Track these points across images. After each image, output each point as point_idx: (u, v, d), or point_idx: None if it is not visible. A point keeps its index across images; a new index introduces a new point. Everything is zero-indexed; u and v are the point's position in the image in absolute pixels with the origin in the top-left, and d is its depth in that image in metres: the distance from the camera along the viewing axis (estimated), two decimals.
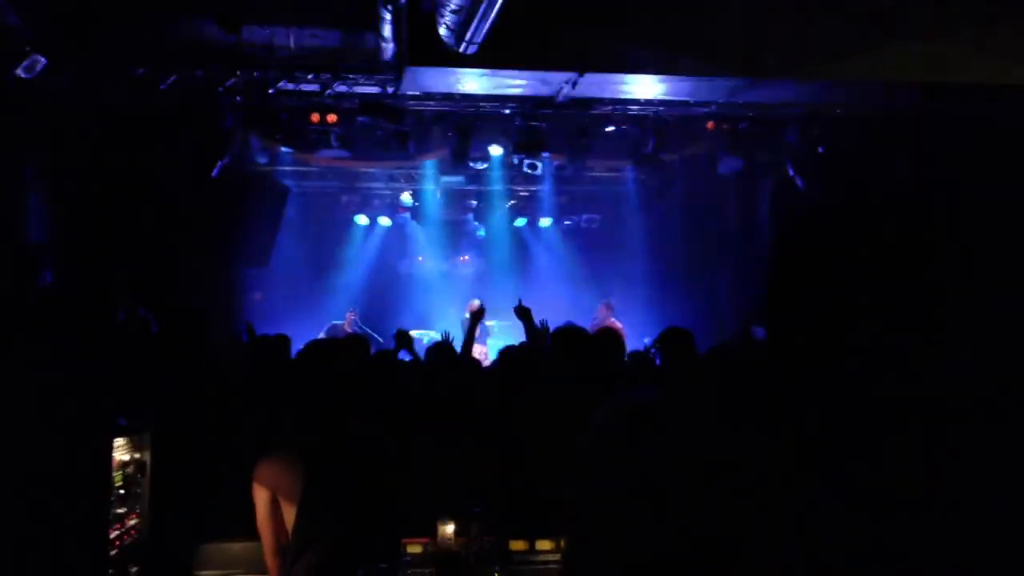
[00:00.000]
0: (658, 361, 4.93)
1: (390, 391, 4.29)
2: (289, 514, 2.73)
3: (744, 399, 1.19)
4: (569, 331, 4.08)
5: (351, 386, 3.03)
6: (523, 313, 5.48)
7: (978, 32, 7.40)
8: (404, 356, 5.87)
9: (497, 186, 13.33)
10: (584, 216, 14.23)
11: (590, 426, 1.31)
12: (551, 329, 4.67)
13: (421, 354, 5.91)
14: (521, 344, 5.48)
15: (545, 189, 13.62)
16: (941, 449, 1.05)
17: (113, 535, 2.64)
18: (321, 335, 11.06)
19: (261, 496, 2.75)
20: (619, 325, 11.13)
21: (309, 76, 8.13)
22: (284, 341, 6.82)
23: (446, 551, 2.65)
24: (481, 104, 8.69)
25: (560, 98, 8.26)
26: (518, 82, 7.82)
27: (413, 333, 12.05)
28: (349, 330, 11.65)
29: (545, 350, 4.87)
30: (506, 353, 4.92)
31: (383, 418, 3.08)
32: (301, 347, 3.96)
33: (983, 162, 7.86)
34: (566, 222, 14.45)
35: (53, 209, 7.17)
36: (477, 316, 6.27)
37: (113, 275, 7.36)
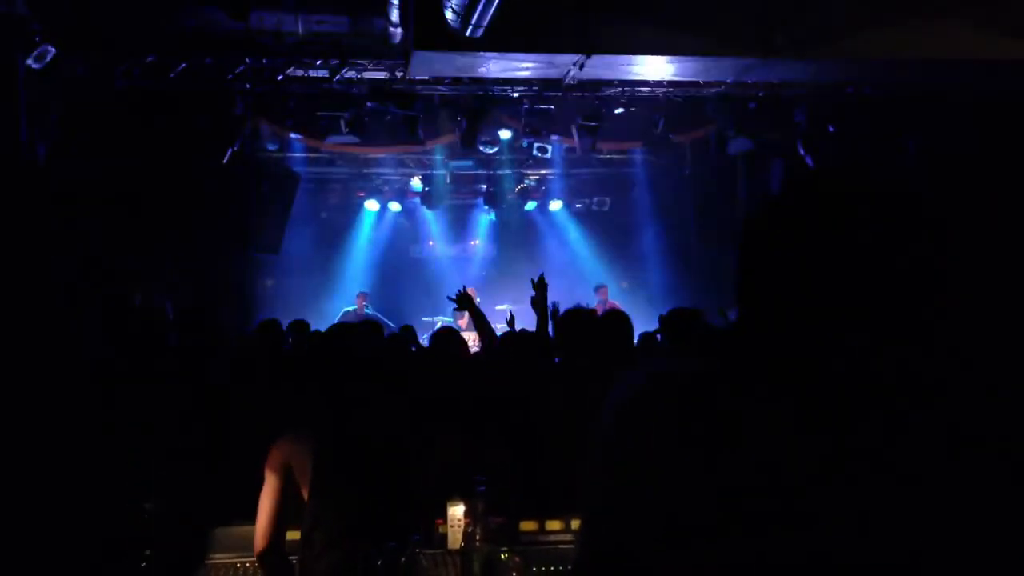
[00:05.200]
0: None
1: (401, 374, 4.31)
2: (301, 495, 2.77)
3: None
4: (576, 313, 4.09)
5: (366, 369, 3.04)
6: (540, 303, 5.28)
7: (989, 8, 7.32)
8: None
9: (507, 170, 13.33)
10: (594, 199, 14.21)
11: (615, 406, 1.14)
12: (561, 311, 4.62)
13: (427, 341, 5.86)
14: (522, 330, 5.36)
15: (555, 172, 13.61)
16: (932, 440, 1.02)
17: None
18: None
19: (271, 478, 2.78)
20: (615, 305, 11.17)
21: (318, 62, 8.14)
22: (302, 326, 6.88)
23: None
24: (489, 87, 8.68)
25: (568, 80, 8.24)
26: (525, 65, 7.80)
27: (425, 319, 12.15)
28: (362, 314, 11.69)
29: (548, 334, 4.87)
30: (508, 338, 4.91)
31: (394, 401, 3.10)
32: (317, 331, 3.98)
33: (995, 139, 7.80)
34: (576, 205, 14.44)
35: (63, 197, 7.20)
36: (466, 301, 5.70)
37: (125, 261, 7.41)
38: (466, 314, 11.54)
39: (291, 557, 2.85)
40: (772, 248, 1.08)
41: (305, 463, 2.76)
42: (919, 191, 1.06)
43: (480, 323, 5.27)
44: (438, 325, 10.32)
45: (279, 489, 2.78)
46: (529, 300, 5.26)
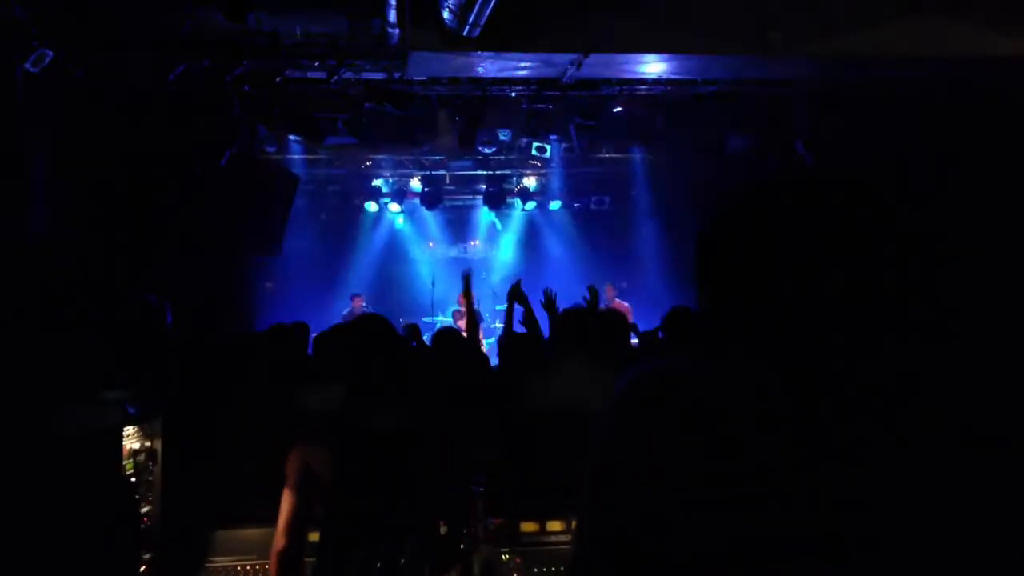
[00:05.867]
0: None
1: (403, 374, 4.29)
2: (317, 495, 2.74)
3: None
4: (573, 312, 4.08)
5: (368, 367, 3.03)
6: (518, 296, 5.36)
7: (989, 6, 7.31)
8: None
9: (506, 170, 13.34)
10: (593, 198, 14.21)
11: (616, 409, 1.13)
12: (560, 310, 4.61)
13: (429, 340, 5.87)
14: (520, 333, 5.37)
15: (554, 172, 13.63)
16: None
17: None
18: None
19: (291, 480, 2.73)
20: (626, 305, 11.16)
21: (315, 63, 8.12)
22: (303, 328, 6.88)
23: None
24: (487, 87, 8.67)
25: (566, 79, 8.22)
26: (523, 64, 7.78)
27: (425, 320, 12.16)
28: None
29: (542, 334, 4.86)
30: (504, 341, 4.90)
31: (401, 401, 3.08)
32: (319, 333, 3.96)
33: (994, 138, 7.79)
34: (576, 205, 14.44)
35: (63, 200, 7.20)
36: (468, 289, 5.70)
37: (124, 264, 7.40)
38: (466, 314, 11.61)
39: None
40: (760, 248, 1.08)
41: (326, 463, 2.73)
42: (916, 189, 1.06)
43: (471, 323, 5.18)
44: (438, 326, 10.34)
45: (299, 491, 2.73)
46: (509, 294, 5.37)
